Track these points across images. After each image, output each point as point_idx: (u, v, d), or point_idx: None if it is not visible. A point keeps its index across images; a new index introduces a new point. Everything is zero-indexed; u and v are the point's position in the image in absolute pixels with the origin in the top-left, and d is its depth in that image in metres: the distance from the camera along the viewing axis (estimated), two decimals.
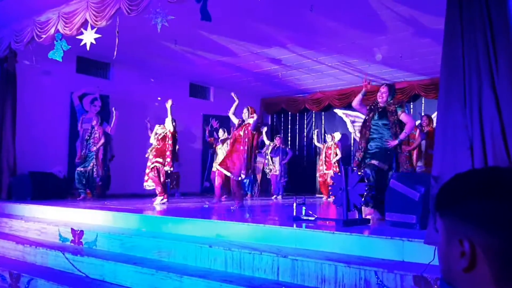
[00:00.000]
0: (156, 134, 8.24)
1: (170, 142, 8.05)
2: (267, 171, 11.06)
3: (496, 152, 3.77)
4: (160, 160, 7.94)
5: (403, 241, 3.59)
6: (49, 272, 4.91)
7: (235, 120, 7.57)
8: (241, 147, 7.10)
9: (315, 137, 11.28)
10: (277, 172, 10.75)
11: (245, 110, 7.44)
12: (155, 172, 7.91)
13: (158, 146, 8.08)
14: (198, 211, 6.42)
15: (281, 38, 8.82)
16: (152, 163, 7.98)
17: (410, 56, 9.65)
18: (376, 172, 5.26)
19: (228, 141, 7.47)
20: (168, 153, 7.99)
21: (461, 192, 0.83)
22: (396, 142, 5.33)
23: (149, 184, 8.03)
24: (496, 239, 0.78)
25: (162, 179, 7.97)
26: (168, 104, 7.99)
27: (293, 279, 3.64)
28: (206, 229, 4.97)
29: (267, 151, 11.02)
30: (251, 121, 7.22)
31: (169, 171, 8.10)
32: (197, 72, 11.58)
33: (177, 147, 9.84)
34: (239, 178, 7.09)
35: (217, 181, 7.65)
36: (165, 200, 7.88)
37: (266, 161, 11.05)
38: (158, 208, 7.18)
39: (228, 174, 7.13)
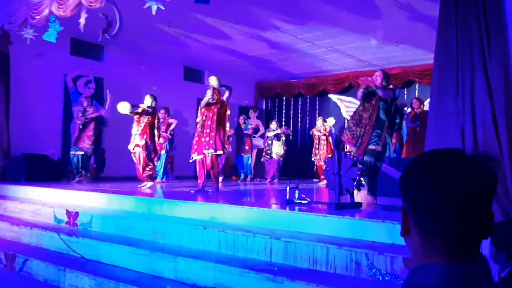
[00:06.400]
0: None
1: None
2: (267, 157, 11.00)
3: (487, 138, 3.84)
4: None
5: (394, 224, 3.66)
6: (44, 252, 4.96)
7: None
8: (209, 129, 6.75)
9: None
10: (276, 156, 10.80)
11: (208, 92, 6.92)
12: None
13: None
14: (193, 194, 6.46)
15: (277, 21, 8.79)
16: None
17: (405, 42, 9.66)
18: None
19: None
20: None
21: (405, 171, 0.93)
22: None
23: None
24: (418, 214, 0.88)
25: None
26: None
27: (286, 260, 3.71)
28: (201, 211, 5.02)
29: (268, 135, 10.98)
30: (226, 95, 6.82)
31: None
32: (192, 55, 11.53)
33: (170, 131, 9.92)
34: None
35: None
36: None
37: (266, 145, 11.00)
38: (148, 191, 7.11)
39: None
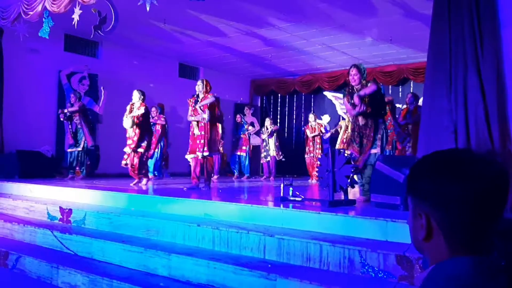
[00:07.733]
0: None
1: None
2: (264, 155, 11.02)
3: (479, 136, 3.86)
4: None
5: (386, 221, 3.67)
6: (37, 249, 4.94)
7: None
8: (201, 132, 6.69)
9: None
10: (274, 154, 10.84)
11: (199, 83, 6.85)
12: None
13: None
14: (187, 191, 6.45)
15: (272, 19, 8.78)
16: None
17: (400, 40, 9.68)
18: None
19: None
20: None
21: (420, 172, 0.96)
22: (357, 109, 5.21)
23: None
24: (444, 214, 0.90)
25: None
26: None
27: (279, 257, 3.72)
28: (195, 208, 5.02)
29: (264, 135, 11.00)
30: (207, 101, 6.69)
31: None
32: (187, 52, 11.50)
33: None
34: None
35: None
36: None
37: (264, 144, 11.03)
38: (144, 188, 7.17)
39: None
